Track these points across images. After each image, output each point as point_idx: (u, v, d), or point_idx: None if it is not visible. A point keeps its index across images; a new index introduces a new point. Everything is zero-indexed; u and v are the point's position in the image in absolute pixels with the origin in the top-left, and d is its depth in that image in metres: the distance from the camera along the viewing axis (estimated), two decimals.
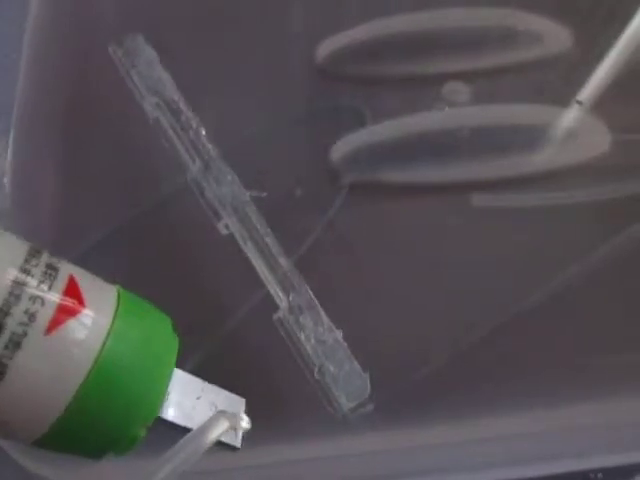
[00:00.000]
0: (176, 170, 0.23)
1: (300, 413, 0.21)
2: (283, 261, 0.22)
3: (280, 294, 0.21)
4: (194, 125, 0.24)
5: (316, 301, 0.21)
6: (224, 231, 0.22)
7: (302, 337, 0.20)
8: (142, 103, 0.24)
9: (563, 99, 0.25)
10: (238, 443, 0.16)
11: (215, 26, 0.27)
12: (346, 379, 0.20)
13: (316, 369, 0.20)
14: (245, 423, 0.16)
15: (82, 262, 0.15)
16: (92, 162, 0.25)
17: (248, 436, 0.17)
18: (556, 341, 0.21)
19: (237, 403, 0.17)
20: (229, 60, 0.26)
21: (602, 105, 0.25)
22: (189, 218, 0.23)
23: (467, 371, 0.21)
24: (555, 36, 0.27)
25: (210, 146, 0.24)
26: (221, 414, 0.15)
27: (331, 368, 0.20)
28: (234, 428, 0.16)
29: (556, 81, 0.26)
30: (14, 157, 0.25)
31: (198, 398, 0.16)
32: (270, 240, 0.22)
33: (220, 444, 0.16)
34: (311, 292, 0.21)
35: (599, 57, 0.26)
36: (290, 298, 0.21)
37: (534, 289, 0.22)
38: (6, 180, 0.25)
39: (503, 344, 0.21)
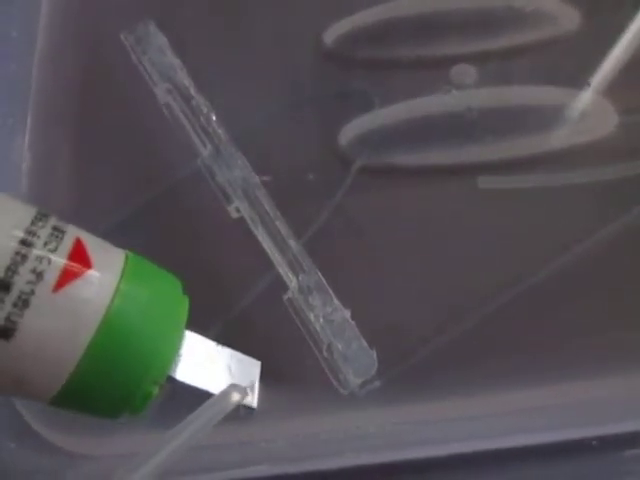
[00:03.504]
0: (188, 155, 0.24)
1: (309, 390, 0.21)
2: (292, 243, 0.22)
3: (290, 275, 0.22)
4: (205, 110, 0.24)
5: (324, 281, 0.21)
6: (235, 214, 0.23)
7: (311, 316, 0.21)
8: (154, 89, 0.25)
9: (571, 81, 0.25)
10: (254, 404, 0.17)
11: (224, 11, 0.27)
12: (354, 357, 0.20)
13: (325, 347, 0.21)
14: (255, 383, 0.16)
15: None
16: (106, 147, 0.26)
17: (258, 412, 0.17)
18: (559, 320, 0.22)
19: (253, 366, 0.17)
20: (238, 44, 0.26)
21: (609, 86, 0.25)
22: (200, 202, 0.24)
23: (470, 349, 0.21)
24: (564, 17, 0.26)
25: (221, 131, 0.24)
26: (232, 388, 0.16)
27: (339, 346, 0.20)
28: (245, 398, 0.16)
29: (565, 63, 0.26)
30: (31, 144, 0.26)
31: (213, 361, 0.17)
32: (280, 223, 0.22)
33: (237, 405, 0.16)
34: (320, 273, 0.22)
35: (608, 39, 0.26)
36: (299, 279, 0.21)
37: (539, 269, 0.22)
38: (24, 166, 0.25)
39: (507, 323, 0.22)
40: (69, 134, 0.26)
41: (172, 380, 0.16)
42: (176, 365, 0.16)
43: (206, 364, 0.16)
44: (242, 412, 0.17)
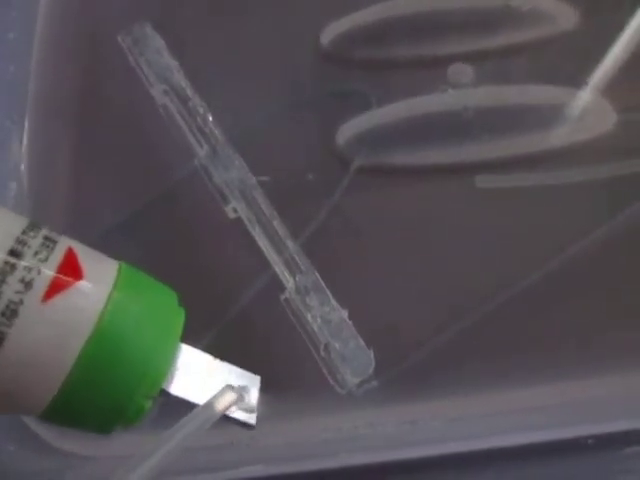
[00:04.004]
0: (185, 155, 0.24)
1: (307, 390, 0.21)
2: (290, 243, 0.22)
3: (287, 275, 0.22)
4: (201, 111, 0.24)
5: (322, 282, 0.21)
6: (232, 215, 0.23)
7: (308, 317, 0.21)
8: (151, 90, 0.25)
9: (569, 80, 0.25)
10: (253, 421, 0.16)
11: (224, 11, 0.28)
12: (351, 356, 0.20)
13: (322, 347, 0.21)
14: (253, 399, 0.16)
15: (95, 247, 0.16)
16: (104, 148, 0.26)
17: (258, 413, 0.17)
18: (557, 319, 0.22)
19: (252, 380, 0.17)
20: (235, 45, 0.27)
21: (608, 85, 0.25)
22: (198, 202, 0.24)
23: (469, 349, 0.21)
24: (562, 16, 0.26)
25: (217, 131, 0.24)
26: (228, 388, 0.16)
27: (337, 346, 0.20)
28: (241, 402, 0.16)
29: (562, 62, 0.26)
30: (29, 145, 0.26)
31: (210, 375, 0.16)
32: (277, 223, 0.22)
33: (235, 422, 0.16)
34: (317, 273, 0.22)
35: (607, 38, 0.26)
36: (297, 279, 0.21)
37: (538, 269, 0.22)
38: (22, 167, 0.25)
39: (506, 323, 0.22)
40: (67, 135, 0.26)
41: (167, 394, 0.16)
42: (171, 379, 0.15)
43: (203, 379, 0.16)
44: (241, 428, 0.16)
